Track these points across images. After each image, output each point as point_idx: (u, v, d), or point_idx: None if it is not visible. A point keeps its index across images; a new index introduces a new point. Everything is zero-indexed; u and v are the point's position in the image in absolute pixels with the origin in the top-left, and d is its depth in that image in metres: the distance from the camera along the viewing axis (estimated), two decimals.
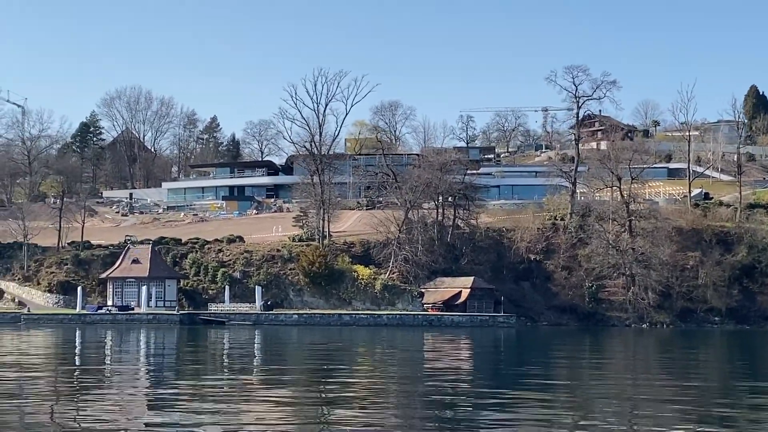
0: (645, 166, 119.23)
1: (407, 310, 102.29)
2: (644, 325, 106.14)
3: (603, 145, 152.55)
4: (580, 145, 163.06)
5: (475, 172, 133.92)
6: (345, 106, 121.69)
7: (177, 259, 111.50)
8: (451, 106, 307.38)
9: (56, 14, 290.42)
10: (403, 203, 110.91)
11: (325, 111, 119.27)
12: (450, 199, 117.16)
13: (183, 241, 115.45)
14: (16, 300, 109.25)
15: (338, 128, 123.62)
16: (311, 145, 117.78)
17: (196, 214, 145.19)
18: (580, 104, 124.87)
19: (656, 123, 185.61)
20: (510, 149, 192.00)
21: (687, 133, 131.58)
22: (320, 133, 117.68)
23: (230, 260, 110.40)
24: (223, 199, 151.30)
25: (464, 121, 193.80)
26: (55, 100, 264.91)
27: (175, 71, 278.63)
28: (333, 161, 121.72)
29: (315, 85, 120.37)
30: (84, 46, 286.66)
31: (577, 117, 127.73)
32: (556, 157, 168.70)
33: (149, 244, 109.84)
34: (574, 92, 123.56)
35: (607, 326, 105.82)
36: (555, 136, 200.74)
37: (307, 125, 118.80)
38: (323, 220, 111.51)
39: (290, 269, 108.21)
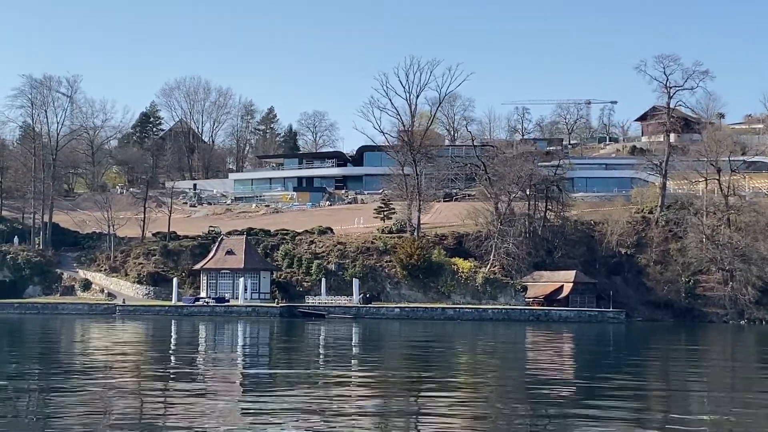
0: (743, 158, 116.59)
1: (510, 305, 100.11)
2: (742, 322, 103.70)
3: (672, 138, 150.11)
4: (646, 137, 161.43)
5: (547, 164, 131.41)
6: (439, 95, 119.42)
7: (268, 251, 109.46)
8: (497, 98, 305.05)
9: (123, 6, 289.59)
10: (504, 193, 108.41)
11: (417, 100, 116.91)
12: (529, 191, 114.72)
13: (272, 232, 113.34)
14: (105, 291, 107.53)
15: (431, 117, 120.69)
16: (406, 134, 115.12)
17: (268, 205, 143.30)
18: (671, 94, 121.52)
19: (721, 115, 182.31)
20: (571, 141, 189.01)
21: None
22: (412, 123, 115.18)
23: (323, 252, 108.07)
24: (294, 190, 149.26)
25: (520, 113, 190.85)
26: (118, 90, 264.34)
27: (234, 61, 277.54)
28: (429, 151, 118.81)
29: (407, 74, 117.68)
30: (147, 36, 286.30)
31: (668, 108, 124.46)
32: (624, 149, 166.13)
33: (242, 235, 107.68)
34: (664, 82, 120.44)
35: (704, 322, 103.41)
36: (613, 129, 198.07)
37: (398, 114, 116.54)
38: (418, 212, 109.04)
39: (386, 261, 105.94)
